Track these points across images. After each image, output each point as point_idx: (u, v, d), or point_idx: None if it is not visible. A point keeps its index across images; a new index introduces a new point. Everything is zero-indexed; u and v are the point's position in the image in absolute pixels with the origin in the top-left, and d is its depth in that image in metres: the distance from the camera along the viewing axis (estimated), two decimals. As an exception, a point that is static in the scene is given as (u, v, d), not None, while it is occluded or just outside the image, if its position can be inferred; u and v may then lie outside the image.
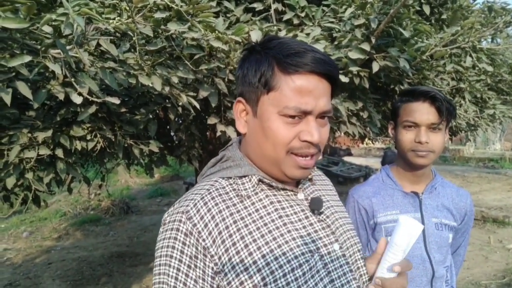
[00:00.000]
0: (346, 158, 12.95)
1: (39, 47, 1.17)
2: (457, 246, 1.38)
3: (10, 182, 1.60)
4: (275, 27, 1.75)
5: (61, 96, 1.33)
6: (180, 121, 2.19)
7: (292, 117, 0.74)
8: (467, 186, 10.40)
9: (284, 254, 0.73)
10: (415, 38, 1.92)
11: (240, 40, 1.38)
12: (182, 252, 0.71)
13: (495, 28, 2.45)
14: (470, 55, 2.38)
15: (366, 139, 4.32)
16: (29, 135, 1.49)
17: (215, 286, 0.71)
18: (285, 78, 0.74)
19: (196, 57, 1.46)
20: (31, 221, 7.50)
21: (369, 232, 1.32)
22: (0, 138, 1.52)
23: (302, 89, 0.73)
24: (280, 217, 0.78)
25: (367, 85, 1.96)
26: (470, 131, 3.85)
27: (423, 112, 1.20)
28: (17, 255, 5.64)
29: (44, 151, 1.50)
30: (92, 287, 4.40)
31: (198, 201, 0.75)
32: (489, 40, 3.23)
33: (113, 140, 1.65)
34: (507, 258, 4.83)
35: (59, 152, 1.56)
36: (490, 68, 2.56)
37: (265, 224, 0.75)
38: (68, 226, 7.18)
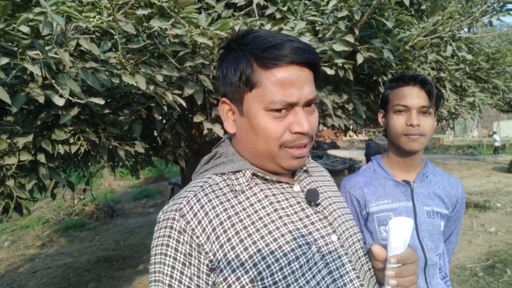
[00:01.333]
0: (330, 151, 13.07)
1: (15, 48, 1.12)
2: (449, 233, 1.40)
3: (-10, 190, 1.54)
4: (258, 22, 1.73)
5: (41, 99, 1.28)
6: (165, 121, 2.15)
7: (279, 110, 0.73)
8: (448, 173, 10.64)
9: (280, 247, 0.72)
10: (397, 28, 1.93)
11: (225, 35, 1.36)
12: (176, 250, 0.71)
13: (472, 18, 2.49)
14: (450, 44, 2.41)
15: (350, 132, 4.36)
16: (9, 141, 1.43)
17: (210, 282, 0.71)
18: (266, 73, 0.73)
19: (180, 54, 1.43)
20: (13, 230, 7.31)
21: (362, 222, 1.32)
22: (-23, 145, 1.45)
23: (284, 82, 0.72)
24: (276, 210, 0.77)
25: (351, 77, 1.97)
26: (451, 119, 3.93)
27: (413, 95, 1.21)
28: None
29: (26, 157, 1.44)
30: (80, 294, 4.32)
31: (191, 198, 0.74)
32: (466, 29, 3.29)
33: (97, 142, 1.60)
34: (489, 241, 4.98)
35: (41, 157, 1.51)
36: (469, 57, 2.62)
37: (260, 218, 0.75)
38: (52, 233, 7.02)
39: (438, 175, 1.36)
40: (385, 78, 2.32)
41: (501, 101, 4.60)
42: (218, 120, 1.91)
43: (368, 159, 5.85)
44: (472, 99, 3.44)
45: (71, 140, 1.55)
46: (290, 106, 0.73)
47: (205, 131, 1.79)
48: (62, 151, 1.56)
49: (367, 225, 1.30)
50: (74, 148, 1.57)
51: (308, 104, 0.76)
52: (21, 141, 1.43)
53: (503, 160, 12.68)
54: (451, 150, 17.39)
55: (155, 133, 2.39)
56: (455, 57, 2.99)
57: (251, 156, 0.80)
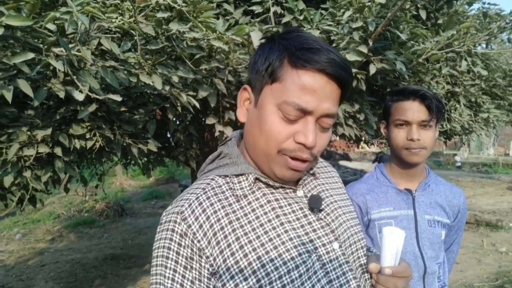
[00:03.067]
0: (342, 162, 12.99)
1: (41, 45, 1.18)
2: (450, 243, 1.41)
3: (8, 180, 1.60)
4: (274, 29, 1.77)
5: (62, 95, 1.33)
6: (178, 122, 2.19)
7: (289, 114, 0.70)
8: (460, 191, 10.45)
9: (280, 255, 0.71)
10: (412, 41, 1.95)
11: (241, 41, 1.40)
12: (178, 253, 0.71)
13: (489, 34, 2.49)
14: (465, 59, 2.41)
15: (362, 143, 4.35)
16: (29, 133, 1.49)
17: (211, 287, 0.71)
18: (292, 71, 0.70)
19: (196, 57, 1.47)
20: (24, 223, 7.45)
21: (363, 228, 1.34)
22: (-1, 136, 1.52)
23: (306, 86, 0.69)
24: (277, 216, 0.76)
25: (364, 88, 1.99)
26: (464, 134, 3.90)
27: (413, 110, 1.23)
28: (10, 257, 5.59)
29: (43, 149, 1.50)
30: (86, 289, 4.37)
31: (193, 201, 0.73)
32: (484, 45, 3.27)
33: (112, 139, 1.65)
34: (499, 261, 4.88)
35: (58, 151, 1.56)
36: (484, 72, 2.60)
37: (261, 225, 0.74)
38: (62, 228, 7.13)
39: (440, 184, 1.37)
40: (398, 90, 2.32)
41: (517, 119, 4.54)
42: (230, 123, 1.95)
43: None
44: (486, 115, 3.40)
45: (88, 136, 1.61)
46: (303, 113, 0.70)
47: (217, 133, 1.83)
48: (78, 146, 1.61)
49: (368, 232, 1.31)
50: (89, 143, 1.62)
51: (323, 120, 0.73)
52: (40, 134, 1.49)
53: (518, 180, 12.40)
54: (466, 167, 17.09)
55: (168, 134, 2.44)
56: (471, 73, 2.97)
57: (251, 152, 0.79)
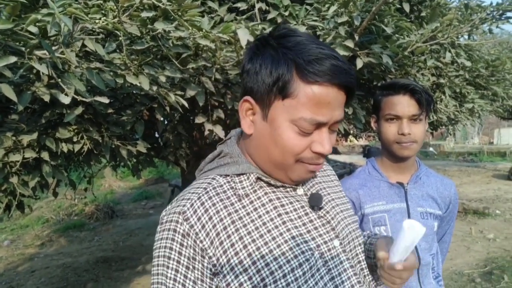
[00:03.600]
0: (331, 156, 13.09)
1: (23, 48, 1.15)
2: (443, 233, 1.43)
3: (-6, 187, 1.57)
4: (260, 26, 1.76)
5: (47, 98, 1.31)
6: (167, 122, 2.18)
7: (306, 129, 0.71)
8: (448, 180, 10.65)
9: (283, 254, 0.72)
10: (397, 34, 1.96)
11: (227, 38, 1.39)
12: (180, 253, 0.70)
13: (471, 25, 2.52)
14: (449, 51, 2.44)
15: (350, 137, 4.38)
16: (14, 138, 1.46)
17: (213, 287, 0.71)
18: (304, 86, 0.69)
19: (183, 56, 1.46)
20: (12, 229, 7.32)
21: (358, 222, 1.35)
22: (-18, 143, 1.48)
23: (321, 101, 0.69)
24: (279, 215, 0.76)
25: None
26: (450, 125, 3.96)
27: (404, 104, 1.24)
28: (-1, 264, 5.50)
29: (30, 154, 1.47)
30: (78, 294, 4.33)
31: (195, 201, 0.73)
32: (466, 36, 3.32)
33: (100, 141, 1.63)
34: (487, 247, 4.99)
35: (45, 155, 1.54)
36: (468, 63, 2.64)
37: (264, 224, 0.74)
38: (51, 232, 7.03)
39: (431, 176, 1.39)
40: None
41: (501, 108, 4.63)
42: (219, 121, 1.94)
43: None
44: (471, 105, 3.46)
45: (75, 139, 1.58)
46: (318, 125, 0.71)
47: (206, 132, 1.82)
48: (65, 150, 1.59)
49: (362, 226, 1.33)
50: (77, 147, 1.60)
51: (333, 124, 0.74)
52: (25, 139, 1.46)
53: (503, 167, 12.68)
54: (452, 157, 17.39)
55: (157, 134, 2.42)
56: (455, 64, 3.02)
57: (262, 161, 0.79)
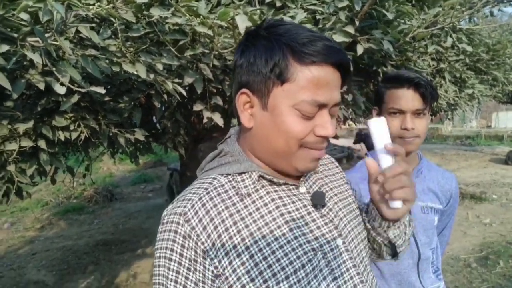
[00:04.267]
0: (329, 140, 13.09)
1: (15, 35, 1.12)
2: (443, 227, 1.43)
3: (-9, 175, 1.56)
4: (258, 11, 1.72)
5: (41, 86, 1.28)
6: (164, 108, 2.16)
7: (308, 112, 0.70)
8: (445, 164, 10.72)
9: (286, 255, 0.71)
10: (398, 19, 1.92)
11: (225, 25, 1.36)
12: (181, 255, 0.70)
13: (473, 9, 2.48)
14: (451, 36, 2.41)
15: (349, 121, 4.37)
16: (9, 126, 1.44)
17: None
18: (302, 68, 0.69)
19: (180, 43, 1.43)
20: (12, 212, 7.37)
21: (361, 216, 1.35)
22: (-22, 130, 1.46)
23: (320, 81, 0.69)
24: (282, 214, 0.76)
25: (351, 68, 1.97)
26: (450, 110, 3.94)
27: (408, 98, 1.21)
28: None
29: (26, 143, 1.46)
30: (79, 276, 4.39)
31: (196, 202, 0.72)
32: (467, 20, 3.27)
33: (97, 129, 1.62)
34: (484, 232, 5.05)
35: (42, 143, 1.52)
36: (469, 48, 2.61)
37: (266, 224, 0.73)
38: (51, 215, 7.08)
39: (433, 170, 1.38)
40: (384, 69, 2.32)
41: (500, 92, 4.60)
42: (217, 108, 1.92)
43: (368, 147, 5.83)
44: (471, 90, 3.44)
45: (72, 127, 1.57)
46: (319, 107, 0.71)
47: (205, 120, 1.80)
48: (62, 138, 1.57)
49: None
50: (74, 135, 1.58)
51: (333, 107, 0.74)
52: (21, 127, 1.44)
53: (500, 151, 12.73)
54: (450, 140, 17.43)
55: (155, 120, 2.40)
56: (455, 48, 2.98)
57: (265, 153, 0.78)
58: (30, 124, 1.44)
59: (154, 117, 2.39)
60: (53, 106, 1.56)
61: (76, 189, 8.07)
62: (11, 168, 1.54)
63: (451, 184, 1.37)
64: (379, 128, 0.82)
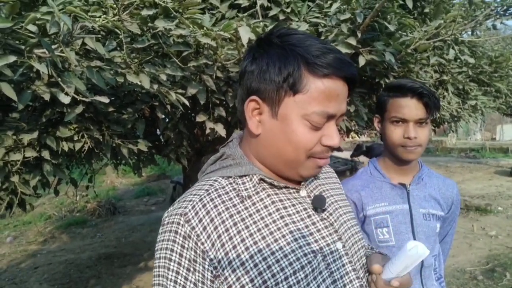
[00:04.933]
0: (333, 153, 13.07)
1: (23, 47, 1.14)
2: (445, 234, 1.42)
3: (-5, 186, 1.56)
4: (261, 23, 1.75)
5: (47, 97, 1.30)
6: (168, 120, 2.17)
7: (318, 122, 0.72)
8: (450, 176, 10.64)
9: (285, 256, 0.72)
10: (400, 31, 1.94)
11: (229, 36, 1.37)
12: (181, 255, 0.70)
13: (476, 21, 2.50)
14: (453, 48, 2.42)
15: (352, 133, 4.37)
16: (14, 137, 1.45)
17: None
18: (314, 80, 0.70)
19: (184, 54, 1.45)
20: (15, 226, 7.35)
21: (359, 224, 1.34)
22: (-17, 141, 1.48)
23: (331, 93, 0.71)
24: (282, 217, 0.76)
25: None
26: (453, 122, 3.94)
27: (411, 108, 1.21)
28: (2, 261, 5.52)
29: (30, 153, 1.47)
30: (81, 290, 4.34)
31: (197, 203, 0.73)
32: (469, 32, 3.29)
33: (101, 140, 1.62)
34: (490, 244, 4.98)
35: (46, 154, 1.53)
36: (471, 60, 2.62)
37: (266, 225, 0.74)
38: (54, 229, 7.06)
39: (433, 177, 1.37)
40: (387, 81, 2.33)
41: (504, 104, 4.60)
42: (220, 119, 1.93)
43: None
44: (474, 102, 3.43)
45: (75, 138, 1.58)
46: (328, 118, 0.73)
47: (208, 131, 1.81)
48: (66, 148, 1.58)
49: (364, 228, 1.32)
50: (78, 146, 1.59)
51: (339, 118, 0.77)
52: (26, 138, 1.46)
53: (505, 164, 12.64)
54: (454, 153, 17.35)
55: (158, 132, 2.41)
56: (458, 60, 2.99)
57: (272, 160, 0.78)
58: (35, 134, 1.45)
59: (157, 129, 2.40)
60: (58, 117, 1.57)
61: (79, 201, 8.05)
62: (15, 179, 1.55)
63: (452, 190, 1.37)
64: (412, 254, 0.80)
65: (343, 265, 0.79)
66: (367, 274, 0.87)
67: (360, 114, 2.31)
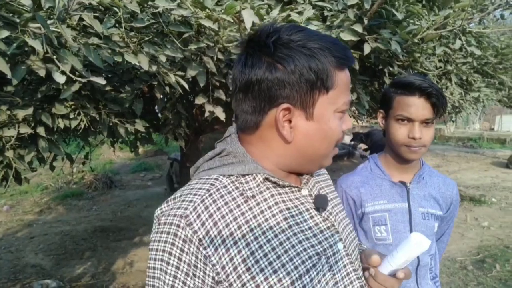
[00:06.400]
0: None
1: (18, 20, 1.10)
2: (441, 233, 1.42)
3: (-11, 160, 1.55)
4: (265, 5, 1.69)
5: (42, 73, 1.26)
6: (166, 100, 2.13)
7: (343, 111, 0.76)
8: (446, 165, 10.70)
9: (291, 260, 0.70)
10: (407, 20, 1.89)
11: (231, 20, 1.33)
12: (180, 259, 0.67)
13: (485, 12, 2.44)
14: (460, 38, 2.37)
15: (352, 118, 4.34)
16: (8, 112, 1.43)
17: None
18: (339, 74, 0.73)
19: (185, 35, 1.41)
20: (11, 195, 7.39)
21: (357, 221, 1.33)
22: (-23, 115, 1.45)
23: (348, 83, 0.76)
24: (285, 218, 0.74)
25: (357, 67, 1.94)
26: (454, 113, 3.91)
27: (418, 107, 1.18)
28: (-2, 229, 5.58)
29: (25, 130, 1.44)
30: (76, 261, 4.41)
31: (199, 205, 0.69)
32: (477, 22, 3.22)
33: (97, 118, 1.60)
34: (481, 235, 5.04)
35: (41, 130, 1.51)
36: (478, 51, 2.57)
37: (271, 228, 0.72)
38: (50, 200, 7.10)
39: (434, 176, 1.36)
40: (391, 69, 2.29)
41: (506, 97, 4.56)
42: (219, 102, 1.90)
43: (373, 147, 5.72)
44: (477, 94, 3.40)
45: (71, 115, 1.55)
46: None
47: (207, 114, 1.78)
48: (62, 125, 1.56)
49: (361, 224, 1.31)
50: (74, 123, 1.56)
51: None
52: (21, 114, 1.43)
53: (502, 155, 12.68)
54: (451, 142, 17.38)
55: (157, 110, 2.38)
56: (463, 50, 2.94)
57: (297, 160, 0.77)
58: (30, 110, 1.42)
59: (155, 108, 2.37)
60: (54, 93, 1.54)
61: (76, 176, 8.07)
62: (9, 154, 1.53)
63: (452, 190, 1.36)
64: (417, 247, 0.79)
65: (345, 266, 0.78)
66: (365, 273, 0.86)
67: (361, 102, 2.28)
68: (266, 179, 0.76)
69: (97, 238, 5.12)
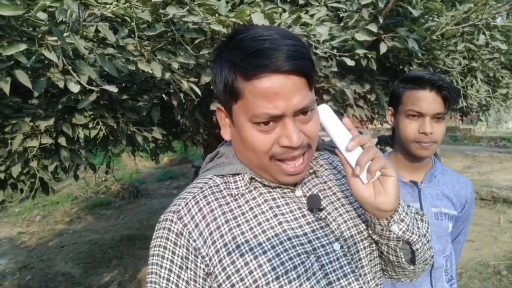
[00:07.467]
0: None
1: (35, 33, 1.14)
2: (457, 233, 1.35)
3: (15, 170, 1.61)
4: (279, 9, 1.69)
5: (61, 84, 1.31)
6: (184, 107, 2.16)
7: (266, 123, 0.68)
8: (477, 166, 10.29)
9: (278, 255, 0.70)
10: (425, 16, 1.84)
11: (242, 23, 1.33)
12: (173, 253, 0.70)
13: (510, 3, 2.34)
14: (483, 33, 2.28)
15: (375, 121, 4.25)
16: (31, 123, 1.48)
17: (207, 287, 0.70)
18: (247, 84, 0.67)
19: (197, 41, 1.42)
20: (44, 205, 7.65)
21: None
22: (3, 127, 1.51)
23: (267, 93, 0.65)
24: (275, 215, 0.74)
25: (374, 67, 1.90)
26: (481, 111, 3.76)
27: (429, 101, 1.14)
28: (31, 238, 5.78)
29: (46, 140, 1.49)
30: (103, 270, 4.50)
31: (190, 200, 0.73)
32: (504, 16, 3.10)
33: (116, 127, 1.63)
34: (516, 238, 4.80)
35: (62, 140, 1.56)
36: (504, 46, 2.47)
37: (259, 224, 0.72)
38: (80, 210, 7.31)
39: (447, 174, 1.30)
40: (410, 68, 2.23)
41: (539, 93, 4.35)
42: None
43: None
44: (505, 90, 3.26)
45: (91, 125, 1.59)
46: (277, 118, 0.68)
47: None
48: (82, 135, 1.60)
49: None
50: (93, 132, 1.61)
51: (302, 112, 0.70)
52: (42, 125, 1.48)
53: (538, 154, 12.09)
54: (483, 142, 16.74)
55: (177, 118, 2.41)
56: (490, 46, 2.83)
57: (246, 164, 0.78)
58: (51, 121, 1.47)
59: (175, 117, 2.40)
60: (74, 104, 1.59)
61: (100, 184, 8.27)
62: (34, 164, 1.58)
63: (466, 189, 1.29)
64: (325, 114, 0.76)
65: (341, 267, 0.75)
66: (368, 275, 0.79)
67: (381, 103, 2.23)
68: (253, 178, 0.78)
69: (124, 247, 5.21)
